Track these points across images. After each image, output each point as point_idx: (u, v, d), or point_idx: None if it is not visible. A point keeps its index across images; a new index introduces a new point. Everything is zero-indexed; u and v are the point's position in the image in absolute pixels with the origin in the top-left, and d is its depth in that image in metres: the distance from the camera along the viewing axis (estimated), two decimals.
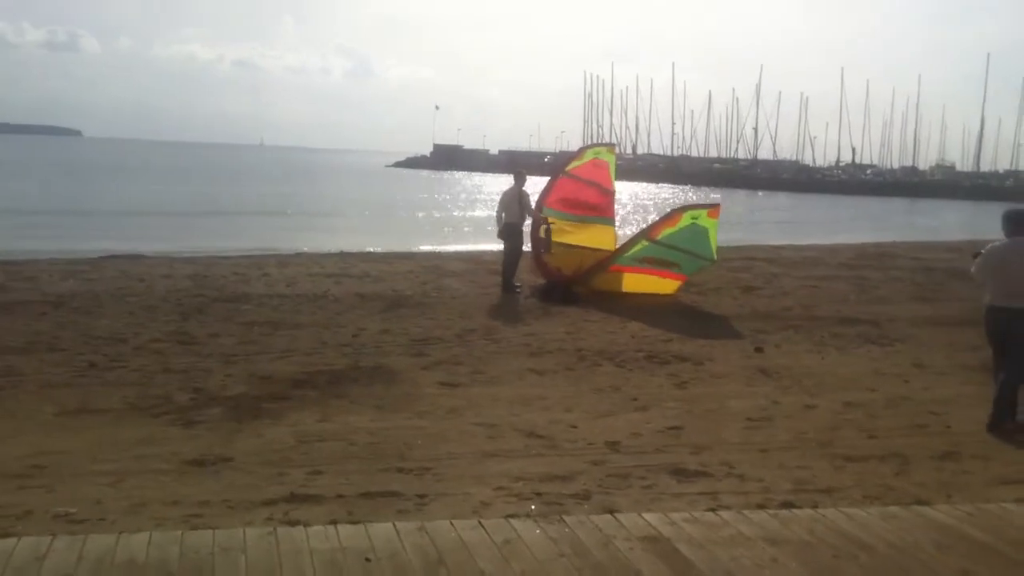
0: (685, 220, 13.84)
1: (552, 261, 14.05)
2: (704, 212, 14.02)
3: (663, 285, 14.02)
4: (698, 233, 13.74)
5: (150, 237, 24.57)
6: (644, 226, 16.60)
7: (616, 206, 16.40)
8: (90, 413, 7.04)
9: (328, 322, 10.91)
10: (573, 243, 14.52)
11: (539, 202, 14.44)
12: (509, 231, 14.08)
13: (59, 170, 71.61)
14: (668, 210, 15.69)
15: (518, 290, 13.84)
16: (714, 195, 72.87)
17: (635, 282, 13.93)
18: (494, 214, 14.85)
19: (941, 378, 8.94)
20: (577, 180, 15.07)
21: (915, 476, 6.00)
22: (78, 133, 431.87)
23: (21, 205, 35.25)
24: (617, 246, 14.66)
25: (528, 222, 14.19)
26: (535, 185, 14.95)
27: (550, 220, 14.08)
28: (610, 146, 17.22)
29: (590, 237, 14.72)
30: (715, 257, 14.07)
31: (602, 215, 15.23)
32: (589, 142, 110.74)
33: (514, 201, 14.11)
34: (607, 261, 14.10)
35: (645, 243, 13.83)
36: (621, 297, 13.43)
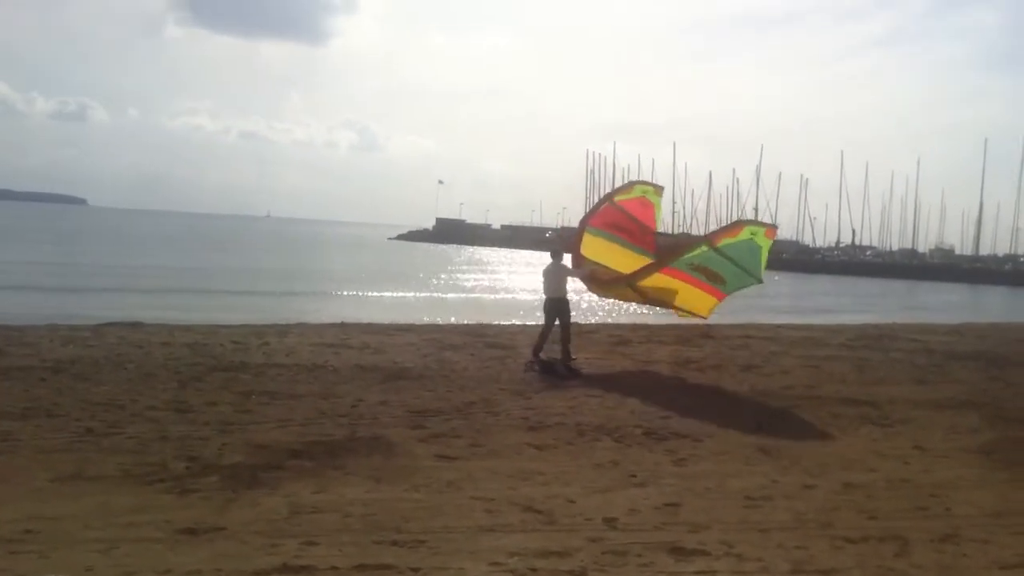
0: (744, 234, 13.85)
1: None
2: (762, 230, 14.03)
3: (702, 301, 14.21)
4: (753, 250, 13.82)
5: (151, 305, 24.65)
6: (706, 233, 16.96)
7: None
8: (85, 480, 7.00)
9: (326, 392, 10.88)
10: (611, 266, 15.19)
11: (583, 221, 15.83)
12: (559, 306, 14.33)
13: (63, 237, 72.08)
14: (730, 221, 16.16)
15: (574, 360, 13.91)
16: None
17: (679, 293, 14.12)
18: (541, 287, 15.15)
19: (941, 460, 8.88)
20: (622, 212, 15.82)
21: (915, 558, 5.94)
22: (83, 202, 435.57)
23: (24, 271, 35.46)
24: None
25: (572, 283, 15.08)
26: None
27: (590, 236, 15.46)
28: (658, 188, 17.13)
29: (628, 263, 15.19)
30: (762, 278, 14.17)
31: (643, 247, 15.83)
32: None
33: (557, 276, 14.49)
34: (663, 260, 14.34)
35: (705, 248, 13.77)
36: (620, 374, 13.44)
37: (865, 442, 9.60)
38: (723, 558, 5.78)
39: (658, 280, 14.03)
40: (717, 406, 11.29)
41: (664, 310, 15.79)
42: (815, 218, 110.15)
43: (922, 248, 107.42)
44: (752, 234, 13.84)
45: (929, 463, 8.72)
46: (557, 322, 14.29)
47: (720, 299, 14.26)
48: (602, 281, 15.25)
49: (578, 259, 15.16)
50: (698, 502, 7.06)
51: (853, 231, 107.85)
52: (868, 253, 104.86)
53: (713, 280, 13.93)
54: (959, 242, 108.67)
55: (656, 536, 6.16)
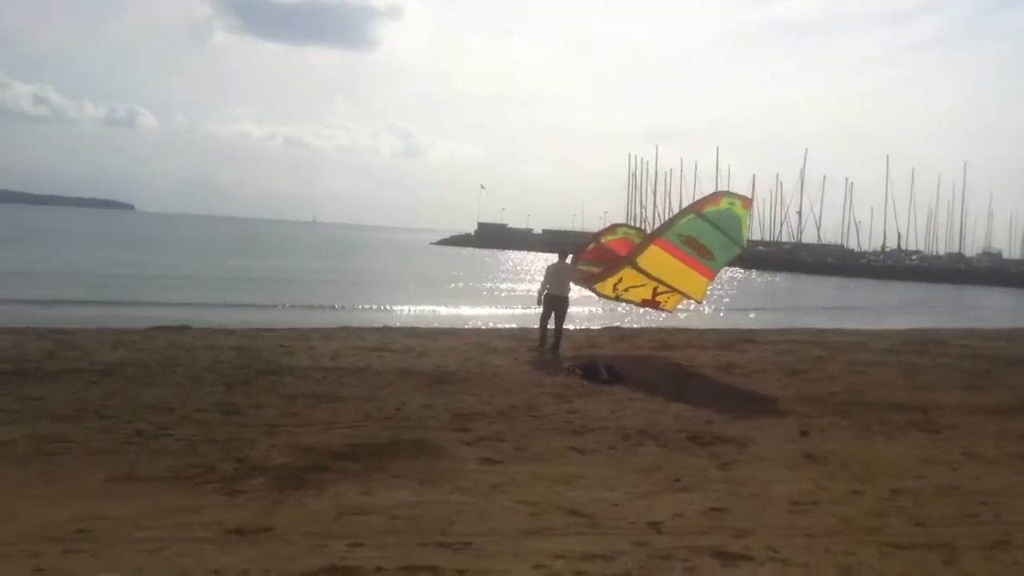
0: (724, 203, 15.22)
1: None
2: (739, 201, 15.44)
3: (695, 283, 15.22)
4: (733, 219, 15.06)
5: (198, 308, 24.94)
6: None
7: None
8: (135, 480, 7.10)
9: (371, 395, 10.96)
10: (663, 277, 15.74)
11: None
12: (561, 304, 15.67)
13: (111, 242, 73.27)
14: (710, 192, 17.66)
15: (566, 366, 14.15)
16: (767, 277, 72.81)
17: (671, 270, 15.04)
18: (537, 288, 16.36)
19: (991, 467, 8.76)
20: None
21: (964, 565, 5.86)
22: (131, 207, 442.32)
23: (72, 276, 36.04)
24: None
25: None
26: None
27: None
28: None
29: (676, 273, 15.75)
30: (745, 244, 15.59)
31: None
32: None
33: (562, 275, 15.74)
34: (655, 233, 15.58)
35: (692, 216, 15.00)
36: (662, 378, 13.39)
37: (913, 448, 9.49)
38: (769, 563, 5.75)
39: (655, 255, 14.89)
40: (762, 411, 11.22)
41: (662, 311, 17.68)
42: (860, 222, 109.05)
43: (969, 252, 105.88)
44: (730, 204, 15.22)
45: (978, 469, 8.61)
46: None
47: (711, 278, 15.35)
48: (595, 275, 16.17)
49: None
50: (743, 507, 7.01)
51: (899, 235, 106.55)
52: (914, 257, 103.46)
53: (703, 256, 14.83)
54: (1007, 246, 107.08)
55: (701, 540, 6.13)
